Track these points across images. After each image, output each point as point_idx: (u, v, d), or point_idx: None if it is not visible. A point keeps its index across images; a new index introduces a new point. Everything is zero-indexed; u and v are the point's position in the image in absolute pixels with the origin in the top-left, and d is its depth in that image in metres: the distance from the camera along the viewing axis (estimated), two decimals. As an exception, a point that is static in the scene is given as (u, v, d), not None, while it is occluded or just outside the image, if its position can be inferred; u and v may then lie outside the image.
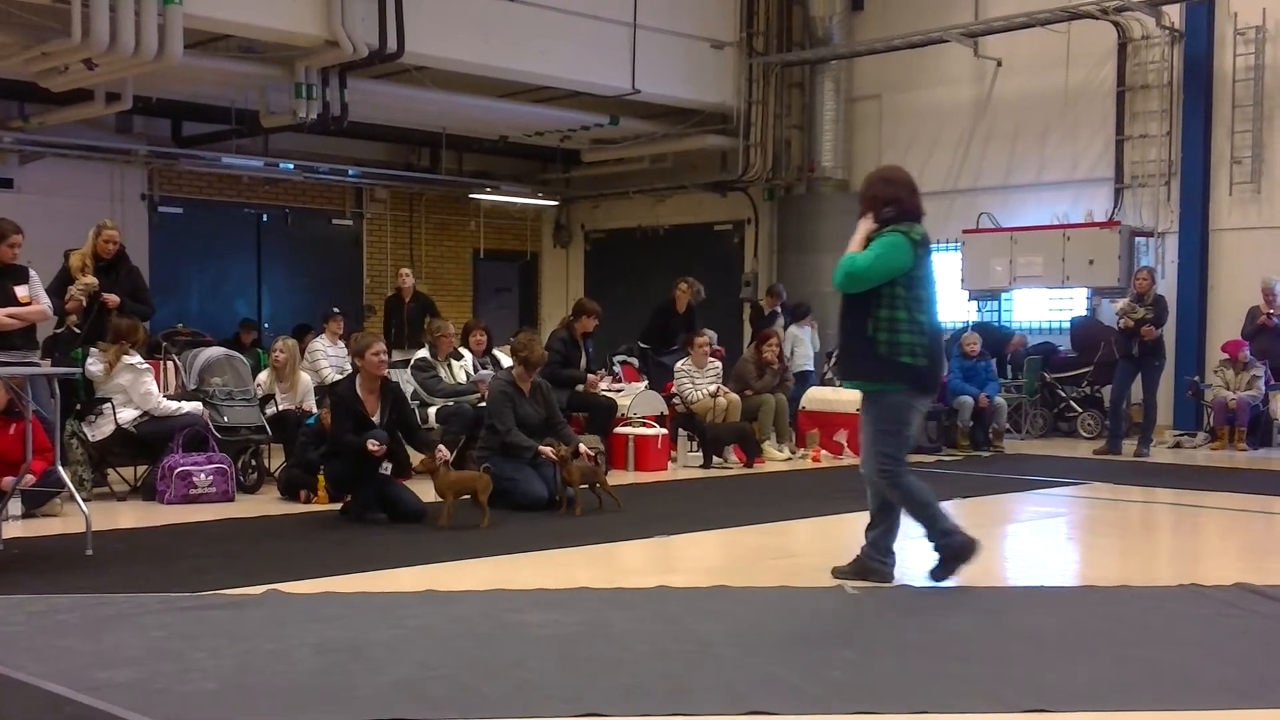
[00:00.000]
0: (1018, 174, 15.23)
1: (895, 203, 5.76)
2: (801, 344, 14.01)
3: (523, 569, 6.33)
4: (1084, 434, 13.90)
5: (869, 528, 5.91)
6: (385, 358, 8.01)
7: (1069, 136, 14.85)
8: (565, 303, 17.06)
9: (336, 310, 12.70)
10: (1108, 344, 13.19)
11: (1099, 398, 13.90)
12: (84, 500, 6.89)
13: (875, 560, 5.85)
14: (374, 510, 7.77)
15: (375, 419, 7.89)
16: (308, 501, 8.51)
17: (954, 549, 5.75)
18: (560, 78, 14.56)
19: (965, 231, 14.92)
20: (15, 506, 7.36)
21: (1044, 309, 15.27)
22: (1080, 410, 14.14)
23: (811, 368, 13.92)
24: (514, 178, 18.81)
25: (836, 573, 5.89)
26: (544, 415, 8.62)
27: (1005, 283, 14.68)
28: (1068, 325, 14.70)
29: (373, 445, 7.61)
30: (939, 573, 5.81)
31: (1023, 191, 15.16)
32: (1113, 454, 12.12)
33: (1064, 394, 14.26)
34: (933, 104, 15.83)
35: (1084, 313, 14.65)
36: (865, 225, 5.77)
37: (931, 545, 5.81)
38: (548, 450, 8.23)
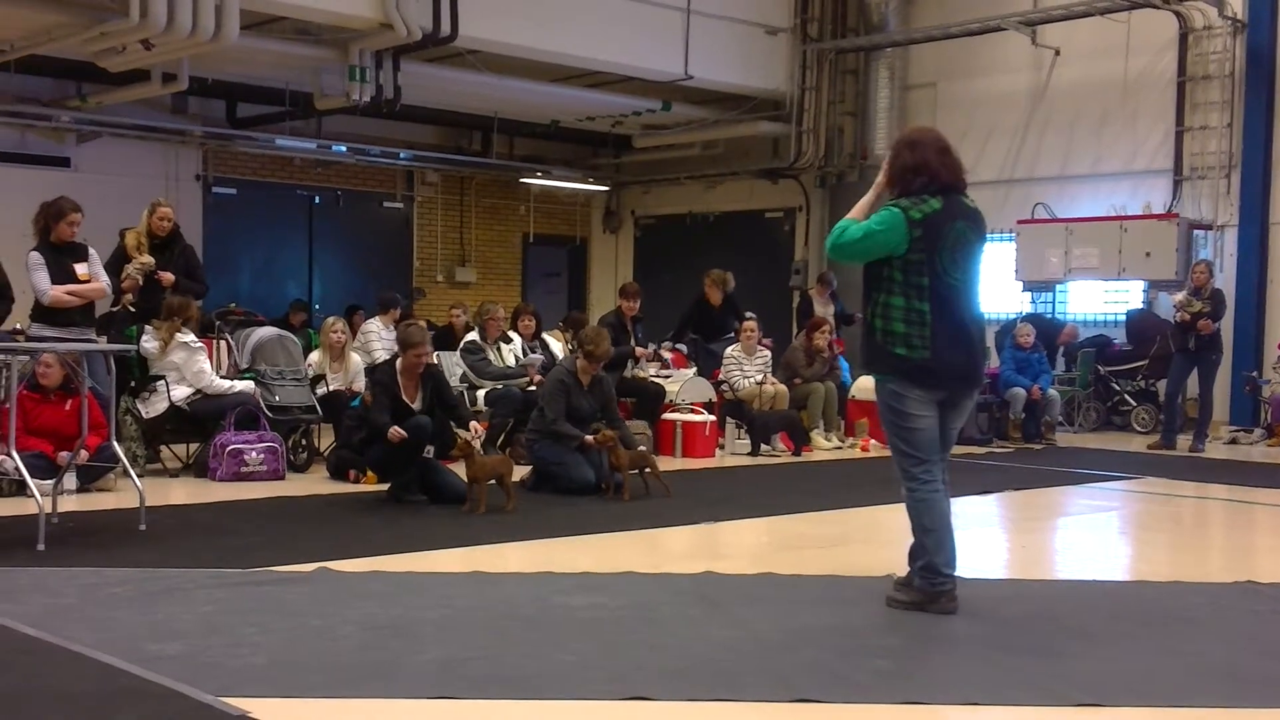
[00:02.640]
0: (1074, 164, 15.02)
1: (924, 170, 5.05)
2: None
3: (569, 552, 6.33)
4: (1138, 428, 13.71)
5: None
6: (427, 359, 8.06)
7: (1127, 127, 14.61)
8: (614, 288, 17.02)
9: (399, 297, 12.77)
10: (1164, 337, 13.00)
11: (1154, 392, 13.70)
12: (137, 476, 6.97)
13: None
14: (414, 492, 7.81)
15: (416, 405, 7.92)
16: (357, 481, 8.56)
17: (929, 593, 5.06)
18: (613, 62, 14.52)
19: (1020, 222, 14.74)
20: (70, 481, 7.46)
21: (1099, 301, 15.05)
22: (1134, 404, 13.95)
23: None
24: (565, 162, 18.81)
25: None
26: (597, 409, 8.61)
27: (1060, 274, 14.48)
28: (1123, 318, 14.49)
29: (393, 433, 7.61)
30: (894, 597, 5.16)
31: (1079, 182, 14.94)
32: (1167, 449, 11.95)
33: (1118, 387, 14.07)
34: (989, 92, 15.64)
35: (1140, 306, 14.44)
36: (876, 193, 5.17)
37: (914, 568, 5.15)
38: (590, 439, 8.23)
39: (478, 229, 18.78)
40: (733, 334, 12.16)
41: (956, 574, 5.10)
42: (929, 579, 5.06)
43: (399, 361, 8.04)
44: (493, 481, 7.49)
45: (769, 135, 16.66)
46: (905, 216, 4.97)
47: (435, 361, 8.68)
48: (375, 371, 8.54)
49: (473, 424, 8.00)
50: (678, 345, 12.58)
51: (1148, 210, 14.18)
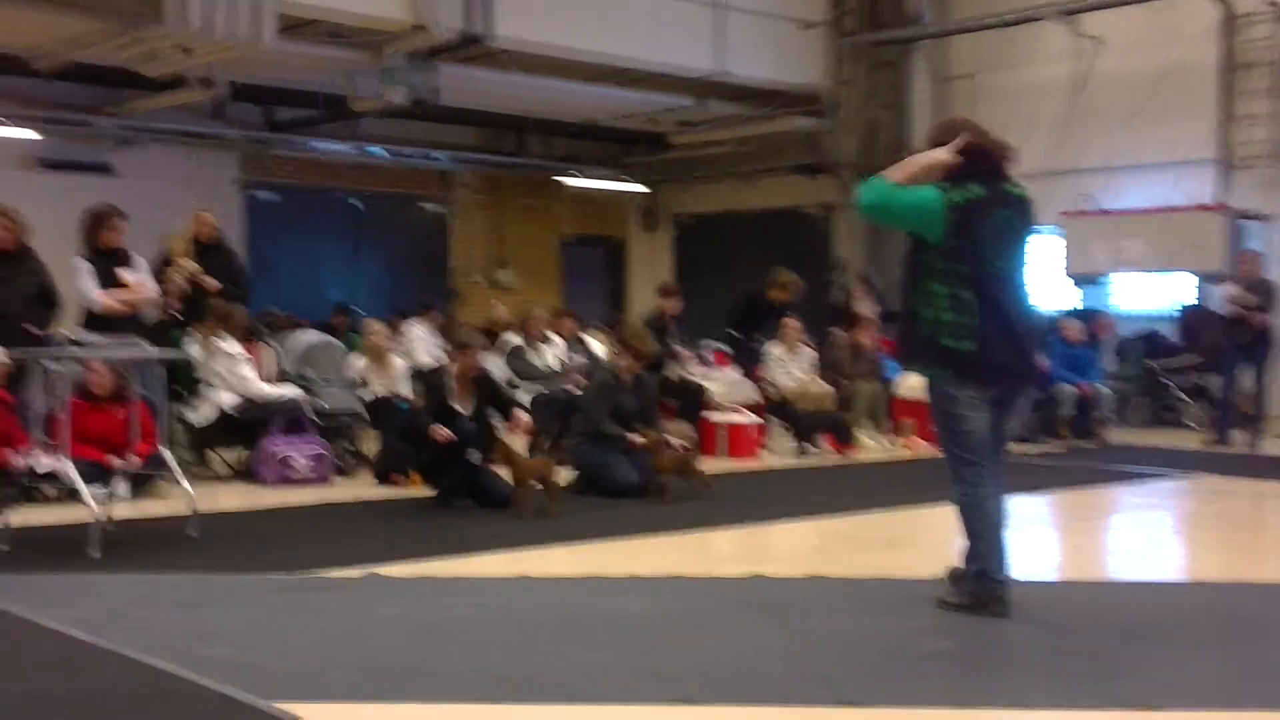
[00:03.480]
0: (1118, 155, 14.80)
1: (975, 154, 4.93)
2: None
3: (615, 556, 6.30)
4: (1191, 425, 13.50)
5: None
6: (480, 366, 8.04)
7: (1172, 116, 14.38)
8: (652, 288, 16.95)
9: (436, 299, 12.83)
10: (1216, 332, 12.79)
11: (1206, 387, 13.48)
12: (187, 483, 6.99)
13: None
14: (461, 497, 7.81)
15: (465, 411, 7.91)
16: (402, 483, 8.57)
17: (981, 597, 4.94)
18: (647, 60, 14.46)
19: (1064, 214, 14.56)
20: (122, 488, 7.49)
21: (1148, 295, 14.82)
22: (1188, 400, 13.74)
23: None
24: (600, 162, 18.75)
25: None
26: (640, 406, 8.59)
27: (1106, 267, 14.30)
28: (1176, 311, 14.27)
29: (436, 432, 7.61)
30: (945, 600, 5.05)
31: (1124, 173, 14.74)
32: (1221, 445, 11.77)
33: (1170, 383, 13.86)
34: (1029, 83, 15.46)
35: (1194, 300, 14.18)
36: (928, 163, 4.95)
37: (968, 570, 5.02)
38: (636, 438, 8.20)
39: (514, 229, 18.76)
40: (761, 332, 12.08)
41: (1009, 576, 5.03)
42: (980, 583, 4.98)
43: (452, 365, 8.06)
44: (539, 487, 7.48)
45: (805, 130, 16.54)
46: (945, 200, 4.83)
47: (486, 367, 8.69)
48: (428, 376, 8.56)
49: (516, 412, 7.99)
50: (720, 345, 12.50)
51: (1194, 201, 13.98)
